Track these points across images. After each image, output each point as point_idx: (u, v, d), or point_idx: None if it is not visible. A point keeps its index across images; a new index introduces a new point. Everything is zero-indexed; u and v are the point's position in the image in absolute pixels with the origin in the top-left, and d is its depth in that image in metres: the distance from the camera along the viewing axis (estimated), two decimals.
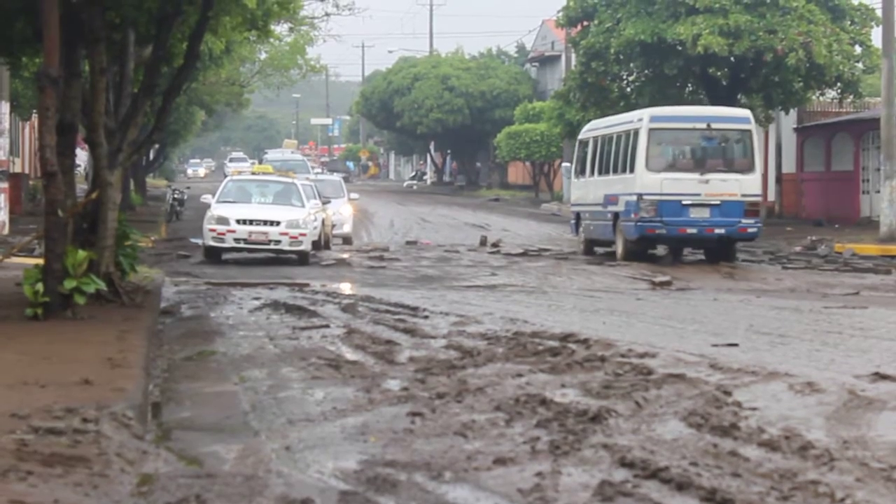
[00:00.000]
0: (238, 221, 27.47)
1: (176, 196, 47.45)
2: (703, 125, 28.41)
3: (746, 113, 29.82)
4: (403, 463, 7.70)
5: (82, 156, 50.58)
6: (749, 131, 28.42)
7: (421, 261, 28.71)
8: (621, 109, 43.14)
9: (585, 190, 32.11)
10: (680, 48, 40.57)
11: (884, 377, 10.78)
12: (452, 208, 56.21)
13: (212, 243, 27.60)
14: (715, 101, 43.34)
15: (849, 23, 41.53)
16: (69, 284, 14.41)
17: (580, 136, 33.92)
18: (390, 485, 7.16)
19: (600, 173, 30.90)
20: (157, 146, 54.99)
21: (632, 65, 43.43)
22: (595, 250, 30.89)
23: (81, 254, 14.82)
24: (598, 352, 12.39)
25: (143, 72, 18.45)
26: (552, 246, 33.61)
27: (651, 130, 28.14)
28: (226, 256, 27.97)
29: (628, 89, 44.75)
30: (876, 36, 40.06)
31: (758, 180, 28.87)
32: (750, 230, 27.77)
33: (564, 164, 39.11)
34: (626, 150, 28.89)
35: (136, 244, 18.99)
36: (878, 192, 37.44)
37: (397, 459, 7.80)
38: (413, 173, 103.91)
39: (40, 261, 15.80)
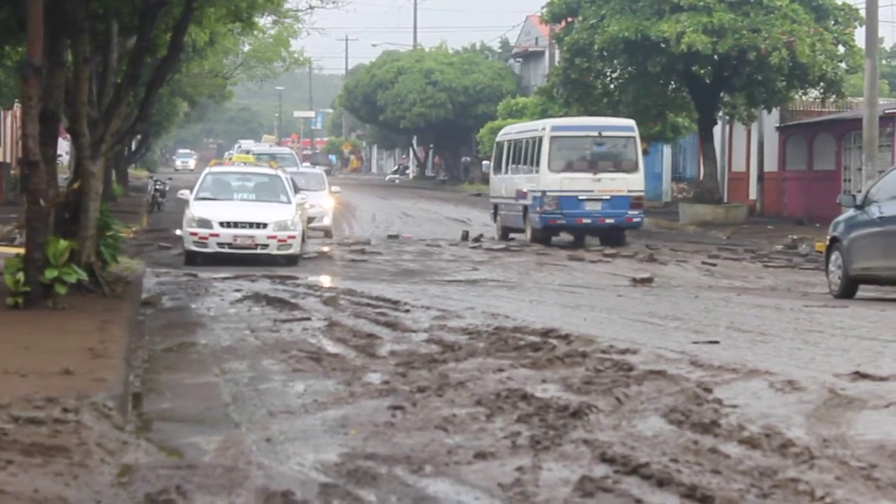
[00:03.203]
0: (221, 224, 25.21)
1: (158, 187, 47.40)
2: (595, 133, 33.83)
3: (631, 122, 34.88)
4: (384, 456, 7.69)
5: (64, 145, 50.43)
6: (633, 138, 33.56)
7: (402, 255, 28.70)
8: (604, 106, 43.33)
9: (502, 185, 36.87)
10: (664, 46, 40.60)
11: (864, 376, 10.77)
12: (434, 203, 56.17)
13: (193, 248, 25.30)
14: (698, 99, 43.55)
15: (832, 22, 41.62)
16: (50, 274, 14.38)
17: (497, 139, 39.15)
18: (371, 478, 7.15)
19: (513, 172, 36.04)
20: (139, 137, 54.83)
21: (615, 62, 43.46)
22: (510, 236, 35.46)
23: (63, 243, 14.79)
24: (579, 348, 12.37)
25: (126, 62, 18.39)
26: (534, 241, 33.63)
27: (552, 138, 33.26)
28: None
29: (611, 86, 44.78)
30: (859, 36, 40.17)
31: (641, 178, 33.56)
32: (635, 220, 33.13)
33: (485, 162, 43.33)
34: (533, 153, 33.96)
35: (118, 234, 18.95)
36: (860, 191, 37.54)
37: (378, 452, 7.79)
38: (395, 167, 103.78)
39: (21, 250, 15.79)
